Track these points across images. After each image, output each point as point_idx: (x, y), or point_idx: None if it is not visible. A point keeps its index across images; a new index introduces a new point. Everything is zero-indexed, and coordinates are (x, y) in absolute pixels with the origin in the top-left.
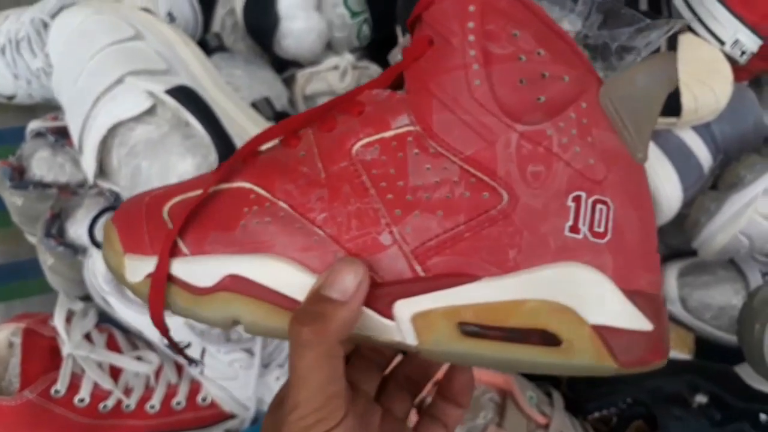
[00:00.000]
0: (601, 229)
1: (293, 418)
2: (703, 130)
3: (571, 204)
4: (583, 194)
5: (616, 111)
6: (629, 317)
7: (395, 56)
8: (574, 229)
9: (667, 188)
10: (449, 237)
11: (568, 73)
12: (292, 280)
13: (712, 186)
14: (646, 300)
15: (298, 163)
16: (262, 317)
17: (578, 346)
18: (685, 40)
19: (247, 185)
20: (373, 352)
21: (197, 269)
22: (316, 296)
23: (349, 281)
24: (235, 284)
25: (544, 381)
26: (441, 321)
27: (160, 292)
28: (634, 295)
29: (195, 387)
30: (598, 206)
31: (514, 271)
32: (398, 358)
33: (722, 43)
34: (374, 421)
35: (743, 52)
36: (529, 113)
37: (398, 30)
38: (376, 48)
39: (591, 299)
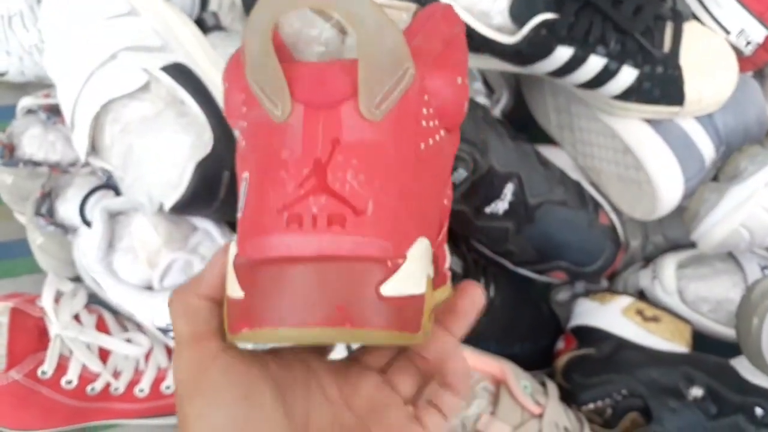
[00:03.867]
0: (241, 204)
1: None
2: (706, 121)
3: (242, 183)
4: (245, 174)
5: (255, 83)
6: (229, 286)
7: None
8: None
9: (668, 179)
10: None
11: None
12: None
13: (713, 177)
14: (243, 267)
15: None
16: None
17: None
18: (690, 29)
19: None
20: None
21: None
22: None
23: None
24: None
25: (539, 371)
26: None
27: None
28: (237, 261)
29: None
30: (243, 183)
31: None
32: None
33: (727, 32)
34: (363, 387)
35: (748, 42)
36: None
37: None
38: None
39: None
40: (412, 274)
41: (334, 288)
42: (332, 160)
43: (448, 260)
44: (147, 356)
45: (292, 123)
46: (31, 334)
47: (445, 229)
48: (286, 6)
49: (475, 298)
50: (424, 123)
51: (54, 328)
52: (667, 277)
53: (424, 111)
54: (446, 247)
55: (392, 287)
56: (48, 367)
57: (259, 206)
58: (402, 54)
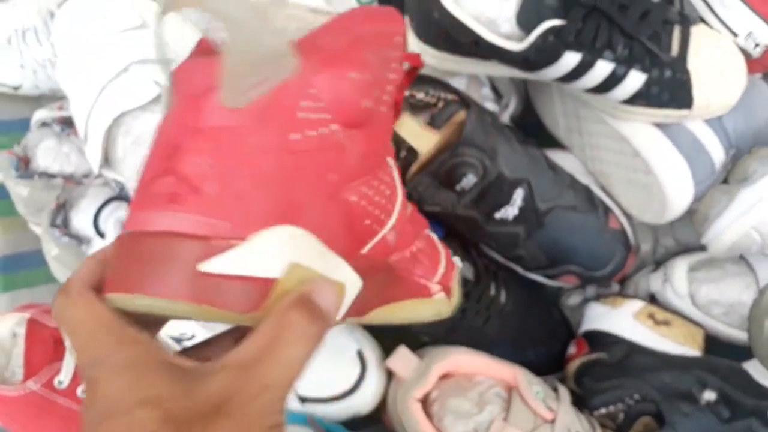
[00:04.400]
0: None
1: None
2: (716, 124)
3: None
4: None
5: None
6: None
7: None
8: None
9: (678, 183)
10: None
11: None
12: None
13: (723, 180)
14: (118, 237)
15: None
16: None
17: None
18: (698, 32)
19: None
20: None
21: None
22: (308, 300)
23: (332, 302)
24: None
25: (550, 376)
26: None
27: None
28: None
29: None
30: None
31: None
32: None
33: (735, 35)
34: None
35: (757, 45)
36: None
37: (406, 20)
38: None
39: None
40: (249, 257)
41: (153, 262)
42: (186, 144)
43: (459, 266)
44: None
45: (169, 112)
46: (47, 344)
47: (387, 238)
48: (169, 7)
49: None
50: (302, 114)
51: None
52: (678, 281)
53: (305, 103)
54: (443, 258)
55: (214, 265)
56: (64, 377)
57: (138, 185)
58: (278, 48)
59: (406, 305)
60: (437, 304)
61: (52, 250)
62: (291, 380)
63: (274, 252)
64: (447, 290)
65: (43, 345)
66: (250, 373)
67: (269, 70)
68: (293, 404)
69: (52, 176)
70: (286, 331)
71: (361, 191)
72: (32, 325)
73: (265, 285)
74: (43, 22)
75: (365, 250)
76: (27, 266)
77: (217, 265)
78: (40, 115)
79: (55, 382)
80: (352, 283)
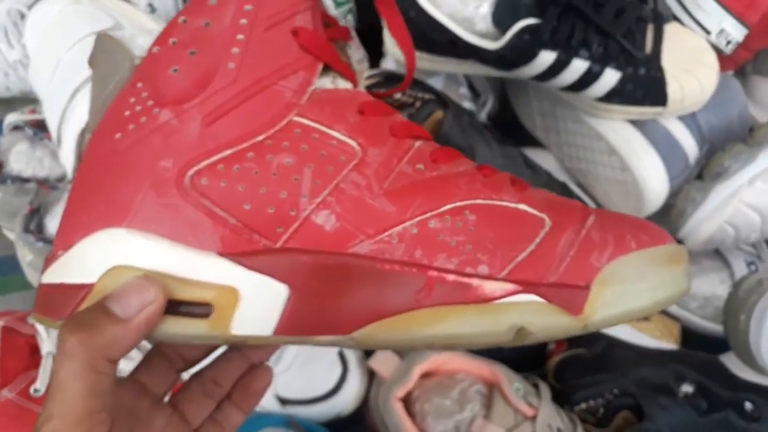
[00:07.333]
0: None
1: (46, 431)
2: (689, 120)
3: None
4: None
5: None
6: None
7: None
8: None
9: (654, 178)
10: None
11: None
12: None
13: (697, 176)
14: None
15: None
16: None
17: None
18: (671, 30)
19: None
20: (174, 353)
21: None
22: (98, 305)
23: (135, 301)
24: None
25: (531, 372)
26: None
27: None
28: None
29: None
30: None
31: None
32: (208, 360)
33: (708, 32)
34: (156, 425)
35: (729, 42)
36: None
37: (383, 20)
38: (361, 38)
39: None
40: (70, 265)
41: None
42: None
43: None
44: None
45: None
46: (22, 352)
47: (315, 222)
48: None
49: (266, 379)
50: (128, 112)
51: (46, 346)
52: None
53: (132, 99)
54: (543, 234)
55: (47, 276)
56: (40, 385)
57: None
58: (119, 54)
59: (439, 315)
60: (517, 313)
61: (27, 255)
62: (72, 404)
63: (93, 257)
64: (548, 290)
65: (19, 353)
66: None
67: (116, 79)
68: (274, 406)
69: (25, 180)
70: (59, 351)
71: (219, 171)
72: (7, 332)
73: (80, 291)
74: (12, 23)
75: (280, 243)
76: (0, 272)
77: (46, 277)
78: (12, 118)
79: (31, 390)
80: (257, 286)
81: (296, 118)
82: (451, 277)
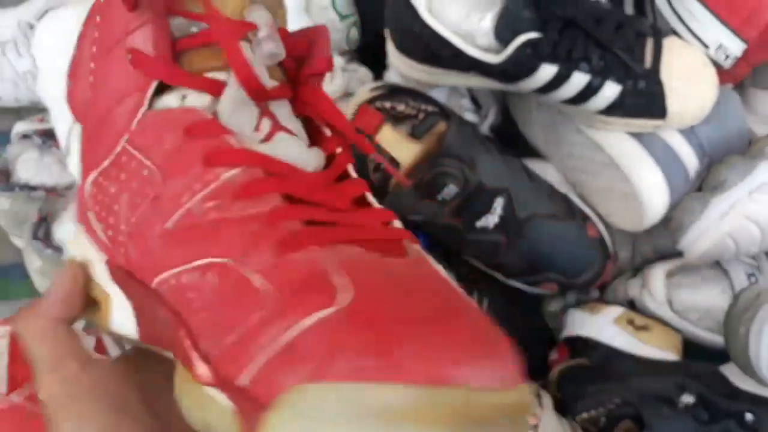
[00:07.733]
0: None
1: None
2: (689, 133)
3: None
4: None
5: None
6: None
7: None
8: None
9: (654, 191)
10: None
11: None
12: None
13: (697, 188)
14: None
15: None
16: None
17: None
18: (670, 44)
19: None
20: None
21: None
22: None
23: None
24: None
25: (532, 382)
26: None
27: None
28: None
29: None
30: None
31: None
32: None
33: (706, 47)
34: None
35: (727, 56)
36: None
37: (387, 33)
38: (365, 51)
39: None
40: None
41: None
42: None
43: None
44: None
45: None
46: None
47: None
48: None
49: None
50: None
51: None
52: (656, 287)
53: None
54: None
55: None
56: None
57: None
58: None
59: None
60: (210, 411)
61: (35, 262)
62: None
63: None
64: (237, 395)
65: (26, 359)
66: None
67: None
68: None
69: (33, 188)
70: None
71: (100, 184)
72: (15, 339)
73: None
74: (23, 34)
75: (123, 262)
76: (8, 279)
77: None
78: (20, 127)
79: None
80: (117, 295)
81: (126, 145)
82: (186, 344)
